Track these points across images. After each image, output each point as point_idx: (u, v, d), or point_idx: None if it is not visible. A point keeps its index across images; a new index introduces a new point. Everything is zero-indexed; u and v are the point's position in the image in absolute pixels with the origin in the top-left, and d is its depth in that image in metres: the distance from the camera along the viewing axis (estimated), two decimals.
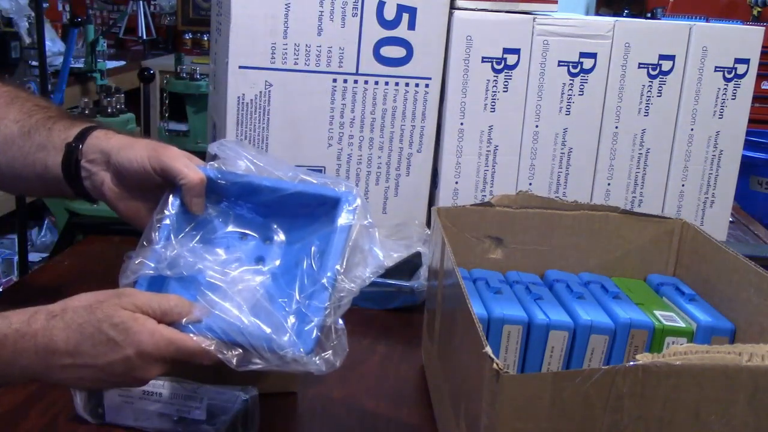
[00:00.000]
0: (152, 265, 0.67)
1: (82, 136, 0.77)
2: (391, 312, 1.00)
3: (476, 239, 0.88)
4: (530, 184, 1.19)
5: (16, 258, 2.61)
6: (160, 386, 0.70)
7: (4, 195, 2.39)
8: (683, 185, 1.23)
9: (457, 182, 1.18)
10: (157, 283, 0.68)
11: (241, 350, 0.63)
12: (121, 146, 0.75)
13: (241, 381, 0.72)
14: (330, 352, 0.64)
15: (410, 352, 0.90)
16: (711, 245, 0.81)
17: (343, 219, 0.69)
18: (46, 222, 3.03)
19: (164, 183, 0.73)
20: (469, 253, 0.87)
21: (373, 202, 1.17)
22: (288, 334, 0.63)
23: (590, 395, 0.52)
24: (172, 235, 0.70)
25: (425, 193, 1.19)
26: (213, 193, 0.73)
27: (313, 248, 0.70)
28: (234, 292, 0.66)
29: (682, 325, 0.75)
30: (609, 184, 1.21)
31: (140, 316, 0.61)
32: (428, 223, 1.13)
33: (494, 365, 0.52)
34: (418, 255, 1.03)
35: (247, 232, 0.74)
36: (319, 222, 0.71)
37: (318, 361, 0.63)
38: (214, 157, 0.75)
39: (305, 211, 0.72)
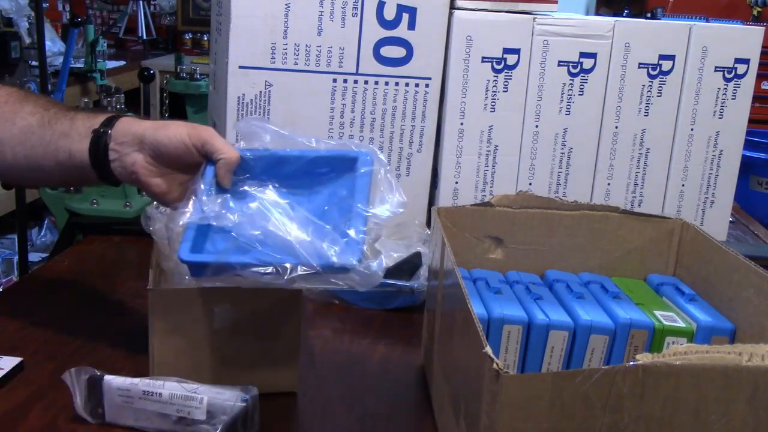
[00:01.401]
0: (199, 215, 0.72)
1: (109, 123, 0.81)
2: (391, 312, 1.00)
3: (476, 239, 0.88)
4: (530, 184, 1.19)
5: (16, 258, 2.61)
6: (160, 386, 0.71)
7: (4, 195, 2.39)
8: (683, 185, 1.23)
9: (457, 182, 1.18)
10: (202, 233, 0.72)
11: (287, 265, 0.66)
12: (156, 127, 0.80)
13: (242, 381, 0.72)
14: (373, 263, 0.68)
15: (410, 352, 0.90)
16: (711, 245, 0.81)
17: (362, 168, 0.75)
18: (46, 222, 3.03)
19: (199, 159, 0.78)
20: (469, 253, 0.87)
21: None
22: (337, 245, 0.68)
23: (590, 395, 0.52)
24: (213, 194, 0.75)
25: (425, 193, 1.19)
26: (240, 170, 0.78)
27: (339, 194, 0.76)
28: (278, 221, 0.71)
29: (682, 325, 0.75)
30: (609, 184, 1.21)
31: None
32: (428, 223, 1.13)
33: (494, 365, 0.52)
34: (418, 255, 1.03)
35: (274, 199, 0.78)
36: (341, 177, 0.77)
37: (364, 270, 0.67)
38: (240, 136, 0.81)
39: (328, 172, 0.78)
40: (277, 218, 0.71)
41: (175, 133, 0.78)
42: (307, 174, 0.78)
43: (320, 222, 0.73)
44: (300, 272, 0.66)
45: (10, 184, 0.89)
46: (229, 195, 0.75)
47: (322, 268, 0.67)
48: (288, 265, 0.66)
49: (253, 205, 0.74)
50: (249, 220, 0.71)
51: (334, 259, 0.67)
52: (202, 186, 0.75)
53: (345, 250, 0.68)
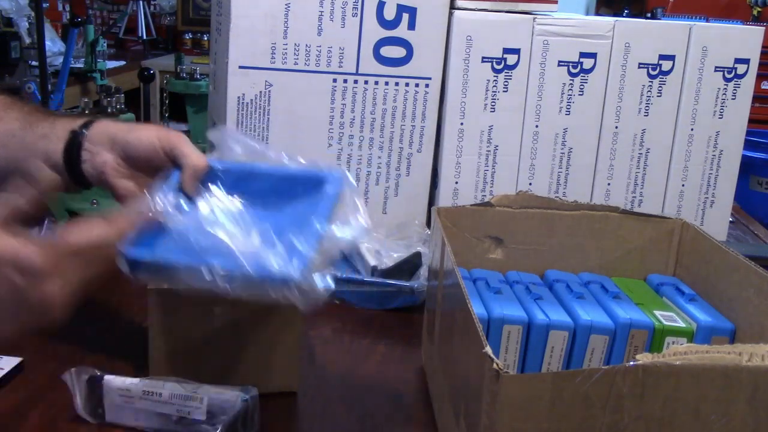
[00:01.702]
0: (148, 211, 0.70)
1: (87, 124, 0.81)
2: (391, 312, 1.00)
3: (476, 239, 0.88)
4: (530, 184, 1.19)
5: None
6: (161, 386, 0.71)
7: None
8: (683, 185, 1.23)
9: (457, 182, 1.18)
10: (155, 232, 0.70)
11: (222, 271, 0.64)
12: (129, 128, 0.80)
13: (242, 381, 0.72)
14: (318, 280, 0.65)
15: (410, 352, 0.90)
16: (711, 245, 0.81)
17: (329, 189, 0.73)
18: (46, 222, 3.02)
19: (168, 164, 0.77)
20: (469, 253, 0.87)
21: (373, 202, 1.17)
22: (280, 256, 0.65)
23: (590, 395, 0.52)
24: (168, 196, 0.73)
25: (425, 193, 1.19)
26: (208, 181, 0.76)
27: (302, 213, 0.73)
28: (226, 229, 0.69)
29: (682, 325, 0.75)
30: (609, 184, 1.21)
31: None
32: (428, 223, 1.13)
33: (494, 365, 0.52)
34: (418, 255, 1.03)
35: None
36: (308, 197, 0.75)
37: (306, 285, 0.64)
38: (212, 145, 0.80)
39: (296, 191, 0.76)
40: (225, 225, 0.69)
41: (146, 134, 0.78)
42: (275, 191, 0.76)
43: (273, 236, 0.69)
44: (236, 278, 0.64)
45: None
46: (184, 198, 0.74)
47: (260, 277, 0.64)
48: (223, 271, 0.64)
49: (205, 209, 0.72)
50: (196, 223, 0.69)
51: (275, 269, 0.64)
52: (163, 187, 0.74)
53: (288, 263, 0.65)
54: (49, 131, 0.81)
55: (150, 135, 0.78)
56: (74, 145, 0.79)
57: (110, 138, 0.79)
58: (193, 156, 0.76)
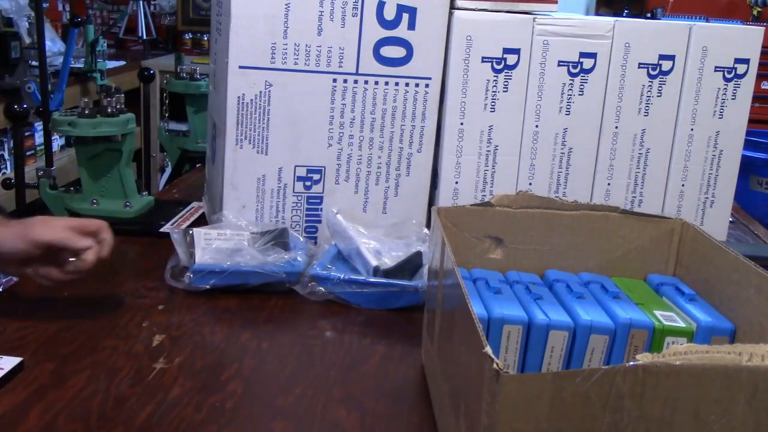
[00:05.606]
0: None
1: None
2: (391, 312, 1.00)
3: (476, 239, 0.87)
4: (530, 184, 1.19)
5: None
6: None
7: (4, 195, 2.40)
8: (683, 185, 1.23)
9: (457, 182, 1.18)
10: None
11: None
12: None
13: None
14: None
15: (410, 352, 0.90)
16: (711, 245, 0.81)
17: None
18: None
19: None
20: (469, 253, 0.87)
21: (373, 202, 1.17)
22: None
23: (590, 395, 0.52)
24: None
25: (425, 193, 1.19)
26: None
27: None
28: None
29: (682, 325, 0.75)
30: (609, 184, 1.21)
31: None
32: (428, 223, 1.13)
33: (494, 365, 0.52)
34: (419, 254, 1.03)
35: None
36: None
37: None
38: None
39: None
40: None
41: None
42: None
43: None
44: None
45: None
46: None
47: None
48: None
49: None
50: None
51: None
52: None
53: None
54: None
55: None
56: None
57: None
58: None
